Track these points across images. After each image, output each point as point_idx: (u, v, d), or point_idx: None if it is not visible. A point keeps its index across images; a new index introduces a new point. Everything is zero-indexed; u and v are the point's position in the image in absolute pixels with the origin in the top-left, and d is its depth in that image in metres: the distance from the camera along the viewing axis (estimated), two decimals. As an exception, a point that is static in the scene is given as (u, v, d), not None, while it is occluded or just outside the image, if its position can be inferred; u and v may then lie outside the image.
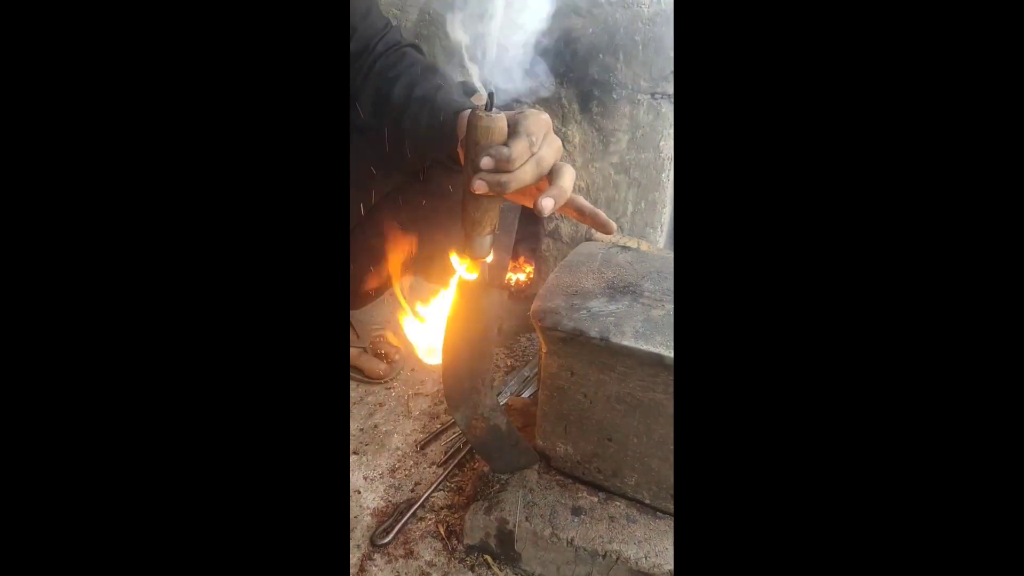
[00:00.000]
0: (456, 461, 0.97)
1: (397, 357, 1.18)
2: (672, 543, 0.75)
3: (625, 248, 0.91)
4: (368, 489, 0.93)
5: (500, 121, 0.54)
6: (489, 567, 0.81)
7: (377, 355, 1.18)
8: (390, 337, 1.20)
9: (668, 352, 0.68)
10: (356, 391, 1.14)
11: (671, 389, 0.70)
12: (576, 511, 0.79)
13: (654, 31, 1.10)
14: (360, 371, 1.16)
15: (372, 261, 0.98)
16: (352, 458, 0.99)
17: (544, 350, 0.77)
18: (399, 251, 0.98)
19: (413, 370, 1.20)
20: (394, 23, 0.83)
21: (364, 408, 1.10)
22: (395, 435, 1.04)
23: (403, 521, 0.87)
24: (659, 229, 1.28)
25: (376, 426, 1.06)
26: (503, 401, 1.07)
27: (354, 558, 0.82)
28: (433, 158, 0.72)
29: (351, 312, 1.11)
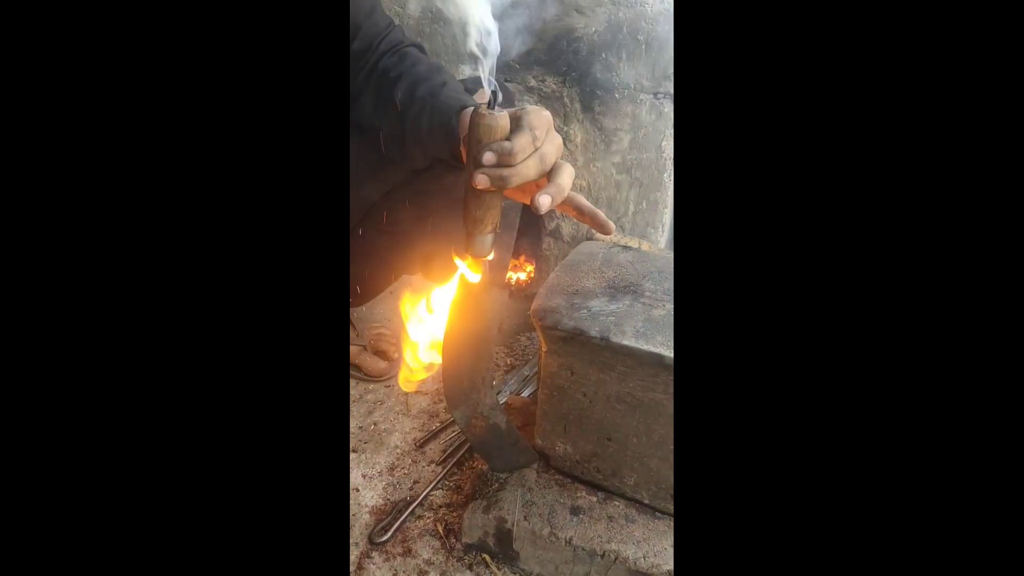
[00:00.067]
0: (455, 460, 0.97)
1: (396, 355, 1.18)
2: (670, 543, 0.75)
3: (626, 248, 0.91)
4: (367, 487, 0.93)
5: (502, 119, 0.54)
6: (487, 566, 0.81)
7: (376, 353, 1.18)
8: (389, 336, 1.20)
9: (668, 352, 0.68)
10: (355, 389, 1.14)
11: (671, 389, 0.70)
12: (575, 510, 0.79)
13: (657, 30, 1.10)
14: (359, 369, 1.16)
15: (372, 259, 0.98)
16: (351, 456, 0.99)
17: (544, 349, 0.77)
18: (400, 249, 0.98)
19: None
20: (396, 22, 0.83)
21: (363, 406, 1.10)
22: (394, 433, 1.04)
23: (401, 519, 0.87)
24: (660, 229, 1.28)
25: (375, 424, 1.06)
26: (503, 400, 1.07)
27: (352, 556, 0.82)
28: (435, 157, 0.72)
29: (351, 310, 1.11)
